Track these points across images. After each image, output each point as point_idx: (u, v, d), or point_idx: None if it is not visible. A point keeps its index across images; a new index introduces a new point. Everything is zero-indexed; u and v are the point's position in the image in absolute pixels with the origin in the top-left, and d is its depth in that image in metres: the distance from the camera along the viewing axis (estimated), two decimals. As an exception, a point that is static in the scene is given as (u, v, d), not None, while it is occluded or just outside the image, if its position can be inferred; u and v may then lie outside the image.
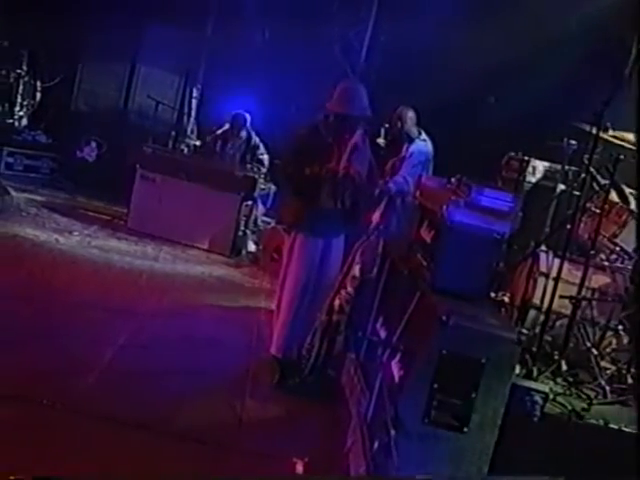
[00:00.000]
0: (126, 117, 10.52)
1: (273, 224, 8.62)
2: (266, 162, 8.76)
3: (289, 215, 5.10)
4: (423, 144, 6.31)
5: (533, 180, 5.69)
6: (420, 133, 6.34)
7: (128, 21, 9.76)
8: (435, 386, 3.27)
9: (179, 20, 9.79)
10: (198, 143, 9.16)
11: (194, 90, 9.65)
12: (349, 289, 5.14)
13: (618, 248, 4.77)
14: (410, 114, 6.33)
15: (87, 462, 3.39)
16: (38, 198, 9.02)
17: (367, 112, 4.94)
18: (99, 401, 4.04)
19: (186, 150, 9.12)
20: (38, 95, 10.30)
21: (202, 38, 10.16)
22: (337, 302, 4.92)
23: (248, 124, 8.89)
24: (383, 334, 4.20)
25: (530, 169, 5.73)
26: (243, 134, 8.89)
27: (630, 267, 4.81)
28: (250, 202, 8.54)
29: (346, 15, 9.62)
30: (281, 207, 5.41)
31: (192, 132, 9.44)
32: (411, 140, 6.29)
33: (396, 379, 3.59)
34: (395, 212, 6.02)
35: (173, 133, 9.43)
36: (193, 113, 9.61)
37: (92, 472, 3.25)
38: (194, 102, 9.58)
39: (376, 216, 6.00)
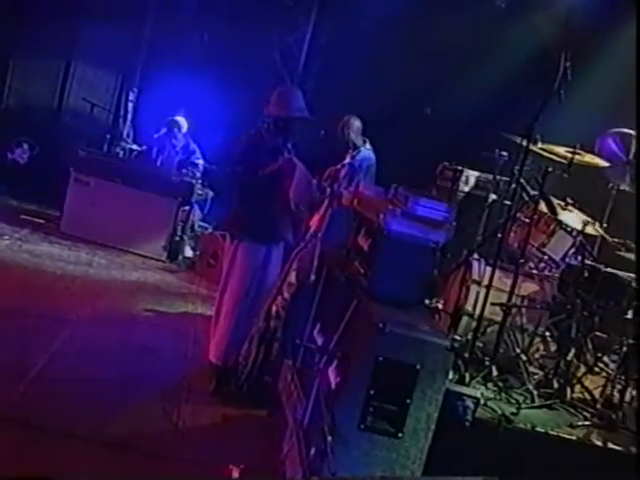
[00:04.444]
0: (60, 118, 10.27)
1: (210, 229, 8.60)
2: (200, 167, 8.74)
3: (233, 223, 5.10)
4: (368, 153, 6.42)
5: (466, 189, 5.82)
6: (365, 142, 6.44)
7: (63, 18, 9.53)
8: (371, 392, 3.34)
9: (116, 21, 9.63)
10: (134, 147, 9.04)
11: (130, 93, 9.51)
12: (286, 295, 5.17)
13: (546, 257, 4.94)
14: (357, 123, 6.43)
15: (16, 472, 3.32)
16: (-34, 200, 8.78)
17: (305, 113, 5.02)
18: (30, 410, 3.95)
19: (122, 153, 8.99)
20: (-35, 94, 9.99)
21: (140, 40, 10.02)
22: (274, 308, 4.94)
23: (186, 129, 8.84)
24: (320, 341, 4.24)
25: (463, 179, 5.86)
26: (181, 139, 8.84)
27: (557, 275, 5.00)
28: (187, 207, 8.49)
29: (285, 21, 9.67)
30: (225, 214, 5.41)
31: (128, 135, 9.30)
32: (356, 148, 6.39)
33: (333, 386, 3.63)
34: (334, 219, 6.07)
35: (108, 136, 9.27)
36: (129, 116, 9.46)
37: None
38: (130, 105, 9.43)
39: (314, 221, 6.04)
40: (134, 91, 9.53)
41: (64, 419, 3.93)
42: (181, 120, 8.81)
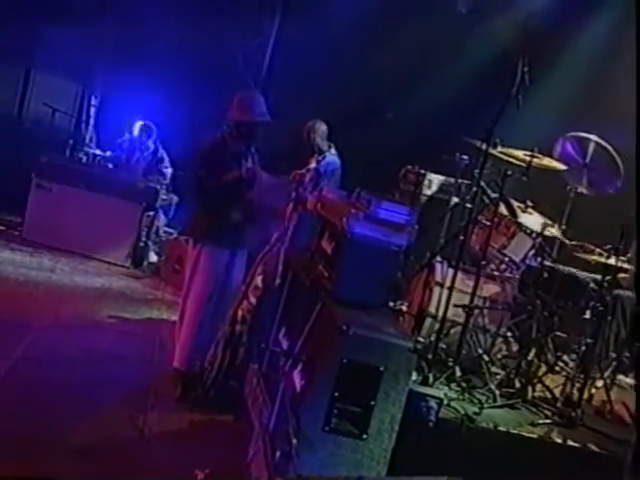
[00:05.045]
0: (21, 124, 10.14)
1: (175, 235, 8.57)
2: (168, 175, 8.72)
3: (197, 227, 5.10)
4: (333, 158, 6.46)
5: (429, 193, 5.87)
6: (330, 147, 6.49)
7: (22, 24, 9.40)
8: (335, 394, 3.37)
9: (77, 25, 9.53)
10: (98, 152, 8.97)
11: (92, 98, 9.44)
12: (252, 299, 5.18)
13: (507, 259, 5.02)
14: (322, 127, 6.47)
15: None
16: None
17: (267, 117, 5.05)
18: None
19: (85, 159, 8.91)
20: None
21: (101, 44, 9.93)
22: (240, 313, 4.95)
23: (155, 135, 8.82)
24: (285, 344, 4.27)
25: (426, 182, 5.91)
26: (150, 145, 8.82)
27: (518, 276, 5.09)
28: (152, 213, 8.45)
29: (249, 25, 9.68)
30: (189, 219, 5.40)
31: (91, 140, 9.23)
32: (322, 153, 6.43)
33: (298, 389, 3.66)
34: (300, 223, 6.11)
35: (71, 141, 9.18)
36: (92, 121, 9.39)
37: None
38: (92, 110, 9.36)
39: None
40: (96, 96, 9.46)
41: (27, 426, 3.89)
42: (151, 126, 8.79)
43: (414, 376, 4.08)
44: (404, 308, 5.20)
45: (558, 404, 4.40)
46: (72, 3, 9.37)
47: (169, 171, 8.75)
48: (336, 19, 8.36)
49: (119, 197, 8.15)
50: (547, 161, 4.92)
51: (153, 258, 8.52)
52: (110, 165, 8.76)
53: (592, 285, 4.62)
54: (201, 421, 4.57)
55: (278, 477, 3.35)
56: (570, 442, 4.01)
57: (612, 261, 4.38)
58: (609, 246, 4.44)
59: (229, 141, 5.00)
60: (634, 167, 5.28)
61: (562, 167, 5.08)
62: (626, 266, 4.60)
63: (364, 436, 3.38)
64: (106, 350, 5.43)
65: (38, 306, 6.05)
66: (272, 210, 5.05)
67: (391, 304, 4.99)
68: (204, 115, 7.99)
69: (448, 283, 4.68)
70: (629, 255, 4.98)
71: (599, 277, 4.52)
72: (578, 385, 4.44)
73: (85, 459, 3.79)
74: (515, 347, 4.92)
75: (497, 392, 4.36)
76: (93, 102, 9.40)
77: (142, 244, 8.34)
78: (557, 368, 4.85)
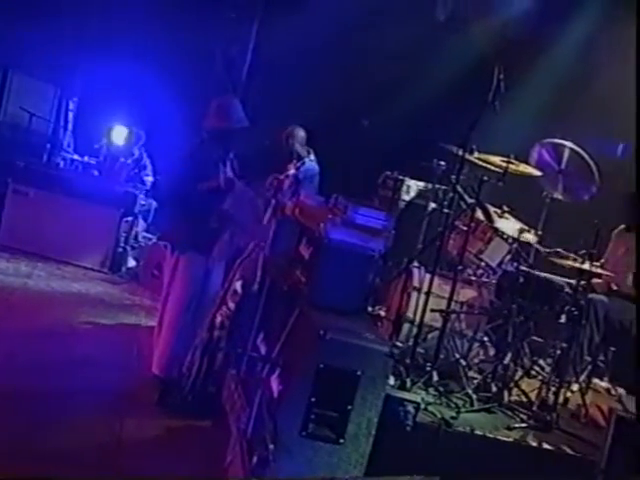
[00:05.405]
0: (-2, 128, 10.05)
1: (154, 240, 8.54)
2: (148, 184, 8.71)
3: (175, 233, 5.10)
4: (312, 165, 6.48)
5: (407, 198, 5.90)
6: (309, 153, 6.51)
7: (-1, 25, 9.34)
8: (313, 399, 3.38)
9: (55, 28, 9.48)
10: (75, 157, 8.92)
11: (70, 102, 9.38)
12: (230, 305, 5.18)
13: (483, 263, 5.07)
14: (301, 133, 6.50)
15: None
16: None
17: (245, 123, 5.07)
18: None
19: (62, 164, 8.86)
20: None
21: (79, 50, 9.88)
22: (218, 318, 4.95)
23: (142, 143, 8.81)
24: (263, 350, 4.27)
25: (405, 188, 5.95)
26: (135, 152, 8.80)
27: (494, 281, 5.14)
28: (130, 218, 8.41)
29: (228, 32, 9.68)
30: (168, 225, 5.40)
31: (69, 145, 9.18)
32: (300, 159, 6.44)
33: (275, 394, 3.67)
34: (280, 229, 6.12)
35: (48, 146, 9.13)
36: (69, 126, 9.34)
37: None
38: (70, 114, 9.31)
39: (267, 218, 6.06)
40: (74, 100, 9.41)
41: (4, 433, 3.87)
42: (139, 133, 8.78)
43: (392, 381, 4.10)
44: (382, 313, 5.22)
45: (534, 408, 4.43)
46: (51, 5, 9.30)
47: (150, 179, 8.75)
48: (316, 25, 8.39)
49: (97, 202, 8.10)
50: (523, 167, 4.96)
51: (131, 263, 8.48)
52: (94, 172, 8.72)
53: (567, 290, 4.67)
54: (179, 427, 4.57)
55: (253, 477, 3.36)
56: (545, 445, 4.04)
57: (586, 266, 4.43)
58: (583, 251, 4.49)
59: (207, 147, 5.01)
60: (609, 174, 5.40)
61: (537, 173, 5.13)
62: (600, 271, 4.65)
63: (341, 441, 3.40)
64: (84, 356, 5.40)
65: (14, 312, 6.01)
66: (242, 223, 5.07)
67: (370, 309, 5.03)
68: (183, 121, 7.98)
69: (426, 288, 4.71)
70: (602, 261, 5.06)
71: (574, 282, 4.57)
72: (554, 389, 4.48)
73: (62, 465, 3.77)
74: (492, 351, 4.96)
75: (474, 396, 4.39)
76: (71, 107, 9.33)
77: (120, 249, 8.30)
78: (533, 372, 4.89)
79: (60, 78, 10.02)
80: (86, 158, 8.93)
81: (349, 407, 3.41)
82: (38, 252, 7.95)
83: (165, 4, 9.19)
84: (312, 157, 6.53)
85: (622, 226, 5.35)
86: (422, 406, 3.96)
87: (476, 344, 4.92)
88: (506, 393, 4.53)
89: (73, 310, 6.52)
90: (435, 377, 4.48)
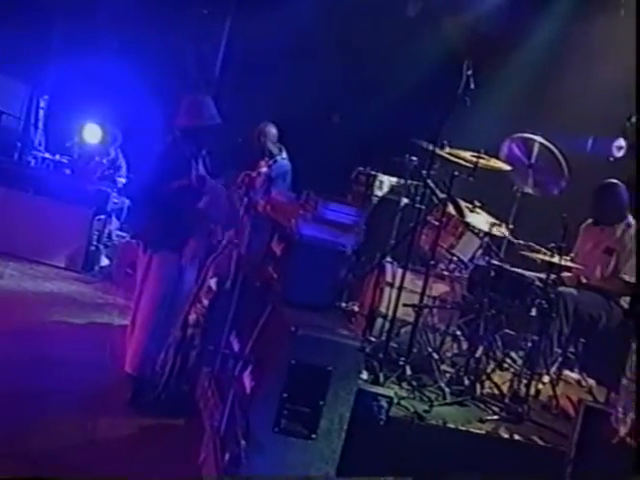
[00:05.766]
0: (-34, 127, 9.92)
1: (128, 238, 8.48)
2: (120, 184, 8.65)
3: (148, 231, 5.07)
4: (284, 162, 6.48)
5: (380, 194, 5.91)
6: (281, 150, 6.49)
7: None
8: (285, 395, 3.39)
9: (26, 25, 9.37)
10: (47, 155, 8.84)
11: (41, 100, 9.29)
12: (204, 302, 5.17)
13: (455, 258, 5.10)
14: (273, 130, 6.48)
15: None
16: None
17: (217, 120, 5.05)
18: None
19: (33, 162, 8.77)
20: None
21: (50, 47, 9.79)
22: (192, 316, 4.93)
23: (119, 143, 8.75)
24: (236, 346, 4.27)
25: (377, 183, 5.96)
26: (111, 152, 8.74)
27: (466, 275, 5.17)
28: (103, 216, 8.35)
29: (200, 29, 9.64)
30: (141, 223, 5.37)
31: (40, 144, 9.08)
32: (272, 157, 6.43)
33: (247, 390, 3.67)
34: (255, 226, 6.11)
35: (19, 144, 9.03)
36: (40, 124, 9.24)
37: None
38: (41, 112, 9.22)
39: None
40: (45, 98, 9.31)
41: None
42: (116, 133, 8.72)
43: (365, 376, 4.12)
44: (356, 308, 5.24)
45: (506, 400, 4.48)
46: (21, 2, 9.20)
47: (123, 180, 8.71)
48: (288, 21, 8.40)
49: (69, 201, 8.05)
50: (493, 162, 5.00)
51: (105, 262, 8.43)
52: (66, 170, 8.65)
53: (537, 283, 4.72)
54: (152, 425, 4.55)
55: (227, 479, 3.36)
56: (517, 437, 4.09)
57: (556, 259, 4.48)
58: (553, 245, 4.54)
59: (180, 145, 4.98)
60: (578, 169, 5.46)
61: (508, 168, 5.17)
62: (569, 264, 4.71)
63: (313, 436, 3.41)
64: (56, 355, 5.36)
65: (-15, 312, 5.95)
66: (218, 221, 5.06)
67: (343, 305, 5.05)
68: (156, 118, 7.94)
69: (398, 283, 4.73)
70: (572, 254, 5.11)
71: (544, 275, 4.62)
72: (525, 381, 4.53)
73: (34, 465, 3.74)
74: (464, 345, 4.99)
75: (447, 390, 4.41)
76: (42, 105, 9.24)
77: (93, 248, 8.24)
78: (505, 365, 4.94)
79: (31, 76, 9.93)
80: (58, 156, 8.85)
81: (321, 403, 3.42)
82: (10, 252, 7.86)
83: (137, 1, 9.14)
84: (284, 155, 6.53)
85: (589, 220, 5.41)
86: (395, 400, 3.98)
87: (449, 338, 4.96)
88: (478, 386, 4.57)
89: (46, 309, 6.46)
90: (408, 371, 4.50)
